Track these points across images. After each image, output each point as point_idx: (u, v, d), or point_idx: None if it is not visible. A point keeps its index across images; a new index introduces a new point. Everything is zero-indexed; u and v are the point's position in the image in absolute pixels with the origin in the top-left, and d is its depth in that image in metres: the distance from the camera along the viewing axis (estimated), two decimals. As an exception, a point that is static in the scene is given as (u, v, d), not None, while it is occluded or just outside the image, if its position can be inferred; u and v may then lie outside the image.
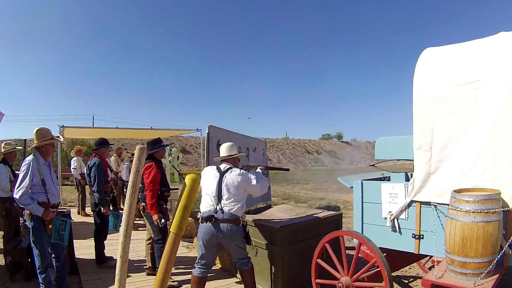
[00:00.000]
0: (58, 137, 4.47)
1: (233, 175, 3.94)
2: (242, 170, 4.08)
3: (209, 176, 4.03)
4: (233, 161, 4.18)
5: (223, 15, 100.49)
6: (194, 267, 3.97)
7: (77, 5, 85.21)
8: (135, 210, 3.24)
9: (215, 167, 4.11)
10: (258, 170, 4.50)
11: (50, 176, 4.20)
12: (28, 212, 4.00)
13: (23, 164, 4.03)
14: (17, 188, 3.89)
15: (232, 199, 3.86)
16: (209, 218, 3.82)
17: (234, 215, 3.85)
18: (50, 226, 4.10)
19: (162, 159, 5.26)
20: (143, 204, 4.79)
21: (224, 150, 4.18)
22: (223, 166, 4.06)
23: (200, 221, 3.94)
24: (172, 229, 3.59)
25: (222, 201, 3.87)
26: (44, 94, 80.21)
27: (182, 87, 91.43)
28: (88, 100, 77.87)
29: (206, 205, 3.94)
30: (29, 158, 4.07)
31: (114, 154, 11.12)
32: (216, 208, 3.85)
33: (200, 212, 4.00)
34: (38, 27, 79.47)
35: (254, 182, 4.02)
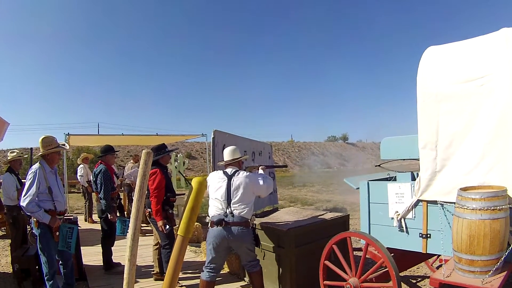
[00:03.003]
0: (64, 145, 4.51)
1: (241, 178, 3.95)
2: (248, 172, 4.09)
3: (216, 181, 4.03)
4: (238, 164, 4.17)
5: (225, 17, 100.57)
6: (203, 271, 3.96)
7: (79, 7, 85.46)
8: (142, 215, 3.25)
9: (221, 171, 4.11)
10: (260, 170, 4.51)
11: (56, 183, 4.23)
12: (35, 219, 4.03)
13: (29, 172, 4.06)
14: (24, 196, 3.93)
15: (241, 202, 3.87)
16: (220, 222, 3.81)
17: (244, 218, 3.86)
18: (57, 233, 4.13)
19: (167, 165, 5.28)
20: (149, 210, 4.80)
21: (227, 154, 4.18)
22: (229, 170, 4.06)
23: (210, 225, 3.93)
24: (180, 232, 3.60)
25: (231, 205, 3.87)
26: (49, 103, 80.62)
27: (187, 92, 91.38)
28: (93, 108, 77.96)
29: (215, 209, 3.93)
30: (36, 166, 4.10)
31: (131, 161, 11.11)
32: (226, 212, 3.85)
33: (208, 216, 4.00)
34: (40, 33, 79.66)
35: (261, 182, 4.04)
